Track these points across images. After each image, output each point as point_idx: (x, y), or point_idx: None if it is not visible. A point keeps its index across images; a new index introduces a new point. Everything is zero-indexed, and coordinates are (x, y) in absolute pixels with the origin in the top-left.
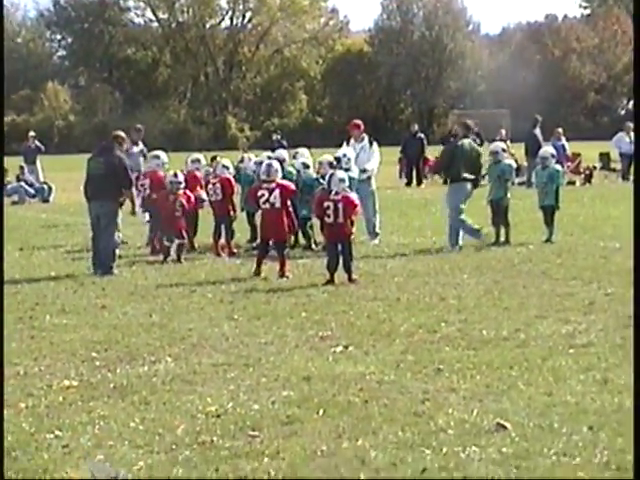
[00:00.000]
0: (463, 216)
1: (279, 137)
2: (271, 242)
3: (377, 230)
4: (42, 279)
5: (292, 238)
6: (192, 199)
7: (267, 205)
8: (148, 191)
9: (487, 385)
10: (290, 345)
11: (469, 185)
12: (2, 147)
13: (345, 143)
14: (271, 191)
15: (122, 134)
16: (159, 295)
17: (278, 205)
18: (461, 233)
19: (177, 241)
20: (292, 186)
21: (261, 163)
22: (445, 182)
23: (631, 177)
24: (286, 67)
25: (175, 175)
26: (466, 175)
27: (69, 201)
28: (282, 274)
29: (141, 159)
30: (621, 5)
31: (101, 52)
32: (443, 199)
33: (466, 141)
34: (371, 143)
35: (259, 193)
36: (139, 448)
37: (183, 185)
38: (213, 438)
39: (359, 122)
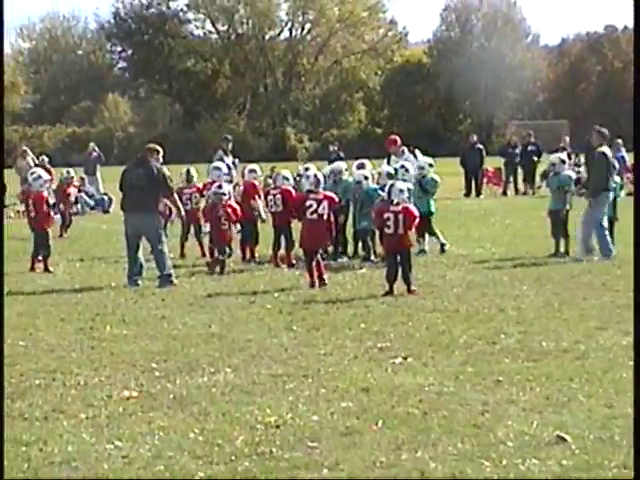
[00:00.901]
0: (606, 230)
1: (336, 148)
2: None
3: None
4: (102, 289)
5: (340, 247)
6: (237, 210)
7: (314, 216)
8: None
9: (547, 397)
10: (349, 356)
11: (611, 194)
12: (2, 154)
13: (386, 161)
14: (319, 202)
15: (157, 147)
16: (218, 306)
17: (325, 216)
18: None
19: (220, 254)
20: (336, 198)
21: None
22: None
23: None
24: (345, 78)
25: (219, 187)
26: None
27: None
28: (322, 282)
29: (232, 171)
30: None
31: (161, 64)
32: (582, 211)
33: (607, 150)
34: (414, 153)
35: (307, 203)
36: (198, 459)
37: (227, 197)
38: (272, 449)
39: (394, 137)
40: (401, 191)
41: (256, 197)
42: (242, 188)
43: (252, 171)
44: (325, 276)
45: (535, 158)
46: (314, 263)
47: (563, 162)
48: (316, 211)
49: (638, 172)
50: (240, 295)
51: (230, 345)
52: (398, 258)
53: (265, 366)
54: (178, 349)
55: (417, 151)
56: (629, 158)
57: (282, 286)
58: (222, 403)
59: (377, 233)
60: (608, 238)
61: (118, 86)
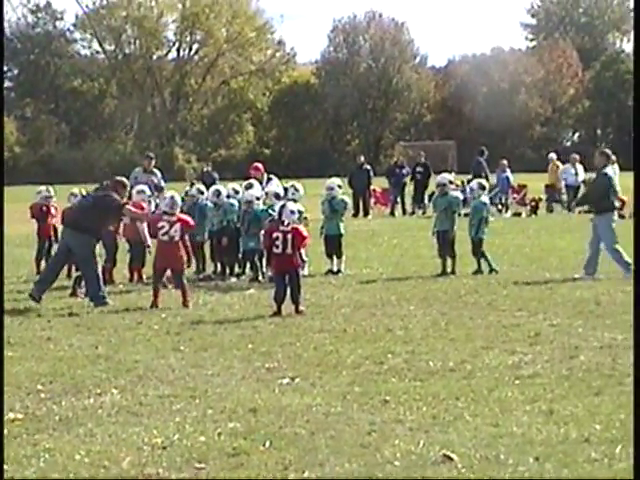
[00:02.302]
0: (618, 246)
1: (209, 169)
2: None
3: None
4: None
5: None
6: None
7: (166, 237)
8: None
9: (433, 416)
10: (236, 377)
11: (616, 214)
12: (2, 150)
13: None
14: (172, 224)
15: (125, 182)
16: (105, 327)
17: (177, 239)
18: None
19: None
20: (191, 221)
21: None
22: (588, 212)
23: (577, 209)
24: (233, 99)
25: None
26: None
27: (15, 233)
28: (186, 304)
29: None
30: (566, 38)
31: (47, 84)
32: (591, 229)
33: (610, 170)
34: (269, 179)
35: (159, 224)
36: None
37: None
38: (159, 470)
39: (258, 164)
40: (292, 212)
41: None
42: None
43: (140, 192)
44: (189, 297)
45: (422, 178)
46: (178, 284)
47: (450, 183)
48: (167, 233)
49: (638, 175)
50: (127, 316)
51: (117, 366)
52: (287, 278)
53: (152, 387)
54: (64, 370)
55: (273, 177)
56: (513, 179)
57: (169, 306)
58: (108, 424)
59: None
60: (623, 255)
61: (4, 106)
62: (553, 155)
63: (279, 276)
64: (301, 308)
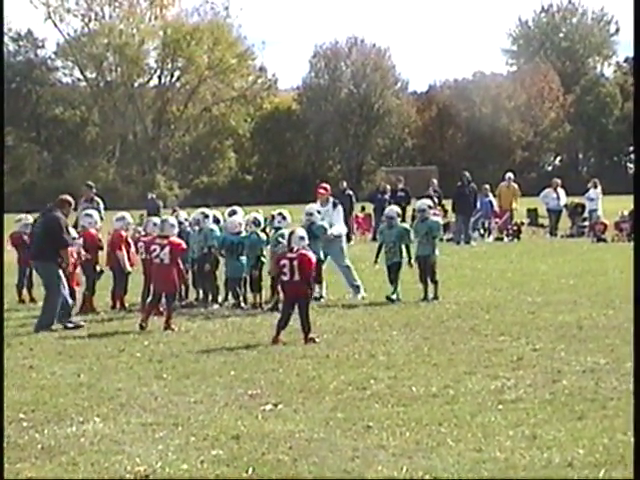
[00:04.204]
0: None
1: (154, 197)
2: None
3: (356, 283)
4: None
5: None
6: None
7: (157, 260)
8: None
9: (417, 442)
10: (219, 404)
11: None
12: (2, 155)
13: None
14: (162, 247)
15: (68, 198)
16: (87, 354)
17: (167, 261)
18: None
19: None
20: (183, 244)
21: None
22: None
23: (559, 233)
24: (215, 125)
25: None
26: None
27: None
28: (167, 326)
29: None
30: (547, 61)
31: (29, 112)
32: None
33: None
34: (335, 205)
35: (151, 247)
36: None
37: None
38: None
39: (326, 185)
40: (301, 238)
41: (122, 247)
42: (110, 237)
43: (120, 219)
44: (171, 321)
45: (404, 204)
46: (166, 307)
47: (430, 207)
48: (158, 256)
49: (638, 180)
50: (110, 343)
51: (99, 394)
52: (296, 307)
53: (135, 415)
54: (46, 399)
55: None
56: (496, 203)
57: (152, 334)
58: (91, 453)
59: (249, 280)
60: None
61: None
62: (510, 175)
63: (288, 304)
64: (311, 336)
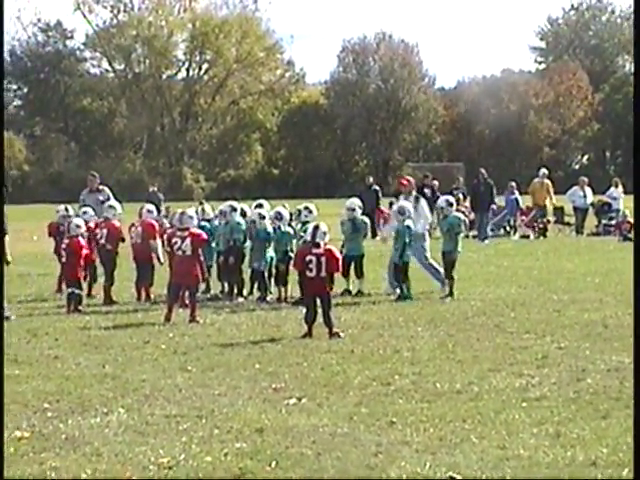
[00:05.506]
0: None
1: (155, 189)
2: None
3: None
4: None
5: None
6: (84, 248)
7: (179, 252)
8: (103, 241)
9: (440, 438)
10: (243, 397)
11: None
12: (2, 156)
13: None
14: (183, 239)
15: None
16: (112, 346)
17: (189, 253)
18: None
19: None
20: (204, 235)
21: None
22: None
23: (585, 231)
24: (242, 118)
25: (77, 224)
26: None
27: (22, 251)
28: (192, 319)
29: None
30: (575, 59)
31: (57, 102)
32: None
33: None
34: (417, 198)
35: (173, 240)
36: None
37: (79, 232)
38: None
39: (409, 177)
40: (325, 234)
41: (156, 236)
42: (140, 228)
43: (150, 211)
44: (196, 314)
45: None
46: (190, 300)
47: (450, 205)
48: (180, 248)
49: (638, 180)
50: (135, 335)
51: (124, 385)
52: (317, 302)
53: (159, 406)
54: (71, 389)
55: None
56: (523, 201)
57: (177, 326)
58: (115, 444)
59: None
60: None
61: (13, 124)
62: (544, 171)
63: (310, 298)
64: (335, 330)
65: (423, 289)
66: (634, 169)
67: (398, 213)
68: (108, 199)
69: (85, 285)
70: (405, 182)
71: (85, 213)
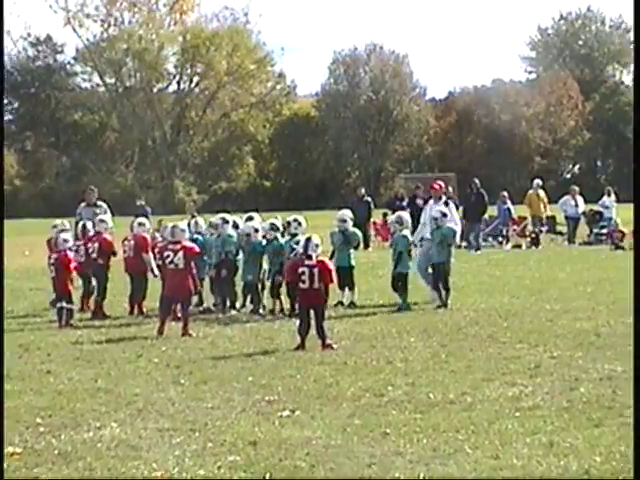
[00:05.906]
0: None
1: (143, 203)
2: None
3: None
4: None
5: (219, 299)
6: (72, 261)
7: (172, 266)
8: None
9: (434, 449)
10: (236, 410)
11: None
12: (2, 156)
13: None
14: (176, 252)
15: None
16: (105, 360)
17: (182, 266)
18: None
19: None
20: (196, 248)
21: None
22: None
23: (577, 240)
24: (233, 131)
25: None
26: None
27: (14, 266)
28: (185, 332)
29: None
30: (566, 69)
31: (48, 117)
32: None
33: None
34: (446, 203)
35: (165, 253)
36: None
37: (67, 246)
38: None
39: (440, 182)
40: (317, 246)
41: (148, 250)
42: (132, 242)
43: (141, 224)
44: (189, 327)
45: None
46: (182, 313)
47: (445, 215)
48: (172, 261)
49: (638, 180)
50: (127, 349)
51: (116, 399)
52: (311, 313)
53: (152, 420)
54: (64, 404)
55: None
56: (515, 211)
57: (169, 340)
58: (108, 458)
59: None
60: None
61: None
62: (538, 181)
63: (304, 309)
64: (329, 342)
65: (416, 299)
66: (634, 177)
67: (396, 223)
68: (105, 213)
69: (77, 299)
70: (437, 187)
71: (84, 227)
